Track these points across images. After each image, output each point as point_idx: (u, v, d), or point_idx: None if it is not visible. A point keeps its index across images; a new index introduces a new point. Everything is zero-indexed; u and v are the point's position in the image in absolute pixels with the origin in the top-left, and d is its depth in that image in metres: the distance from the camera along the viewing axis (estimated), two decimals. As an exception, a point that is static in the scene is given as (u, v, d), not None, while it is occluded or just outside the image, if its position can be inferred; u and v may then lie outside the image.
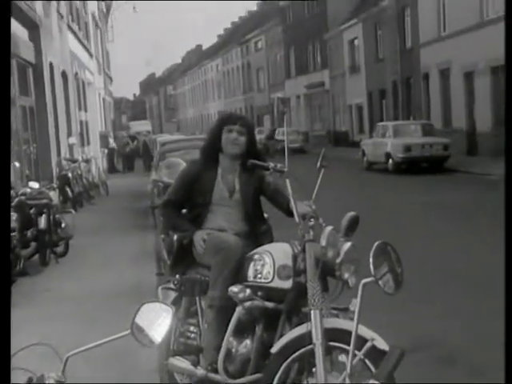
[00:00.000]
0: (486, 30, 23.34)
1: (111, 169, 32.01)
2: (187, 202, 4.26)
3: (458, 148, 23.84)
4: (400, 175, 21.63)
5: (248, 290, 3.69)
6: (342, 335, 3.34)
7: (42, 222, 9.26)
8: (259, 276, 3.76)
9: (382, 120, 33.04)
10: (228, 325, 3.79)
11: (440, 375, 4.76)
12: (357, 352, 3.27)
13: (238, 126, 4.17)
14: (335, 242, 3.58)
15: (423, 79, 30.44)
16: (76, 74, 23.15)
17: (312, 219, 3.65)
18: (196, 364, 4.01)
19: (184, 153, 12.10)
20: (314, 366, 3.33)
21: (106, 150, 31.64)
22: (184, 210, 4.31)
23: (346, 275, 3.58)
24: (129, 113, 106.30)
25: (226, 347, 3.78)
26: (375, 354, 3.26)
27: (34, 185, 10.19)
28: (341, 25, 41.57)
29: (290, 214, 3.84)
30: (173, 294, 4.23)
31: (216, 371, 3.81)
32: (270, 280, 3.70)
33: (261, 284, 3.74)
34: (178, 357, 4.14)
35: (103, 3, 41.17)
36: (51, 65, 16.74)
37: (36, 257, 9.27)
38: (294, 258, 3.66)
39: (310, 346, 3.35)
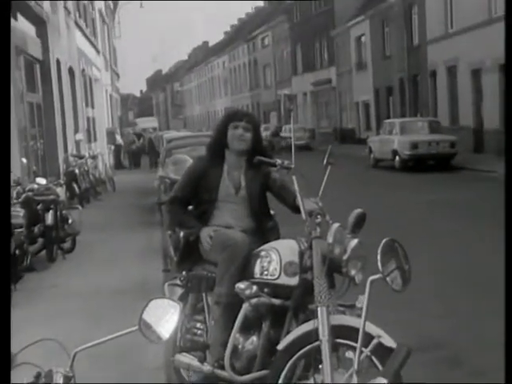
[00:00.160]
0: (493, 27, 23.19)
1: (118, 165, 32.07)
2: (193, 199, 4.26)
3: (464, 145, 23.77)
4: (407, 172, 21.57)
5: (254, 287, 3.69)
6: (349, 332, 3.33)
7: (49, 217, 9.28)
8: (266, 273, 3.76)
9: (388, 117, 32.91)
10: (234, 321, 3.79)
11: (440, 375, 4.75)
12: (363, 349, 3.27)
13: (244, 122, 4.17)
14: (342, 239, 3.58)
15: (430, 76, 30.33)
16: (83, 70, 23.17)
17: (319, 216, 3.65)
18: (202, 360, 4.01)
19: (190, 149, 12.11)
20: (321, 362, 3.33)
21: (112, 147, 31.68)
22: (190, 207, 4.31)
23: (353, 272, 3.58)
24: (135, 109, 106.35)
25: (232, 344, 3.79)
26: (382, 351, 3.26)
27: (41, 181, 10.23)
28: (348, 21, 41.45)
29: (296, 210, 3.83)
30: (179, 291, 4.23)
31: (222, 368, 3.82)
32: (276, 277, 3.70)
33: (267, 281, 3.74)
34: (184, 353, 4.14)
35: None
36: (58, 61, 16.76)
37: (43, 253, 9.28)
38: (301, 254, 3.66)
39: (316, 343, 3.35)
